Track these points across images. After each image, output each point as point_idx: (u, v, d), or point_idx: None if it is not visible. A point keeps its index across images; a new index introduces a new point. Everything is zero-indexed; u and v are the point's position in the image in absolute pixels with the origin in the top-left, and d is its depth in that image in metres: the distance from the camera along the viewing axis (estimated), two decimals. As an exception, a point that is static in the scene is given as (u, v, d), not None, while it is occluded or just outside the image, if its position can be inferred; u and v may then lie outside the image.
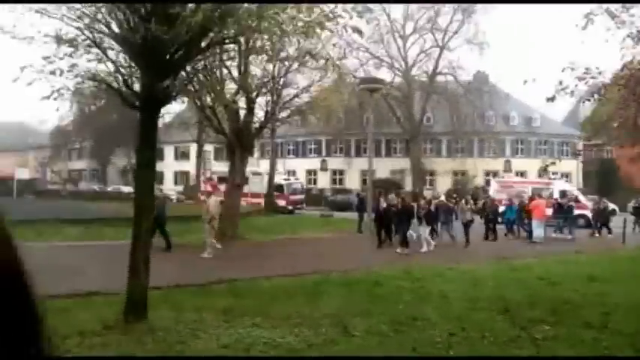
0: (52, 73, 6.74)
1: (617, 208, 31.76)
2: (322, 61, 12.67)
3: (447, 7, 38.75)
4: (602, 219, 21.14)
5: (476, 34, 38.48)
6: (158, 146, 7.70)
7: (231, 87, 16.41)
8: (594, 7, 8.43)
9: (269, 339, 5.60)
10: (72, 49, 6.77)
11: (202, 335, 5.70)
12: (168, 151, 52.12)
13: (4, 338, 0.58)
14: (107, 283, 8.03)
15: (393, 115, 41.06)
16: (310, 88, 18.83)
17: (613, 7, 8.51)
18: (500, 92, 41.71)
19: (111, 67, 6.90)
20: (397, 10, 39.61)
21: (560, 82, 7.18)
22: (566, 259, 13.40)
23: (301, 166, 46.65)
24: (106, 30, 6.53)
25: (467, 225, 16.61)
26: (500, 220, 19.81)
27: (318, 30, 10.00)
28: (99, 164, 56.07)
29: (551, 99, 7.35)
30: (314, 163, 48.65)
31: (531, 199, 20.59)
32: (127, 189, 38.47)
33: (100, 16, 6.46)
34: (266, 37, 9.26)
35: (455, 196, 23.01)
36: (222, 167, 35.82)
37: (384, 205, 16.09)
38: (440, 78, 41.43)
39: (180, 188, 47.02)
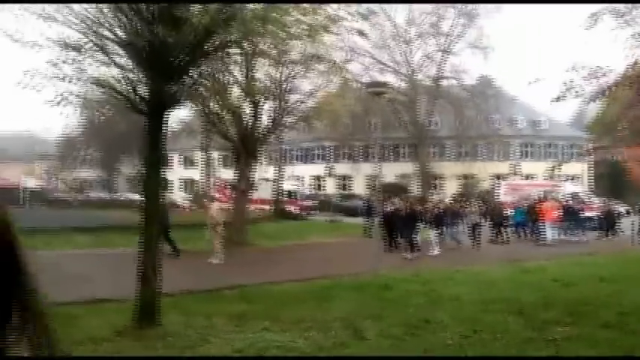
0: (58, 78, 6.76)
1: (629, 210, 31.49)
2: (327, 65, 12.71)
3: (450, 12, 38.79)
4: (610, 221, 20.95)
5: (479, 37, 38.42)
6: (164, 157, 7.69)
7: (236, 93, 16.47)
8: (600, 8, 8.37)
9: (280, 343, 5.55)
10: (77, 54, 6.79)
11: (213, 340, 5.65)
12: (175, 159, 52.33)
13: None
14: (117, 290, 8.00)
15: (398, 119, 40.99)
16: (316, 93, 18.84)
17: (618, 6, 8.44)
18: (506, 95, 41.60)
19: (116, 72, 6.92)
20: (400, 16, 39.68)
21: (567, 83, 7.10)
22: (579, 260, 13.24)
23: (308, 172, 46.69)
24: (111, 35, 6.54)
25: (474, 228, 16.50)
26: (508, 222, 19.70)
27: (322, 33, 10.01)
28: (106, 172, 56.33)
29: (558, 99, 7.26)
30: (320, 168, 48.63)
31: (540, 201, 20.48)
32: (136, 197, 38.61)
33: (104, 20, 6.48)
34: (271, 40, 9.30)
35: (462, 199, 22.91)
36: (229, 174, 35.96)
37: (391, 209, 16.03)
38: (444, 82, 41.39)
39: (187, 195, 47.14)
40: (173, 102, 6.70)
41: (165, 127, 6.89)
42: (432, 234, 14.98)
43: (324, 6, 8.08)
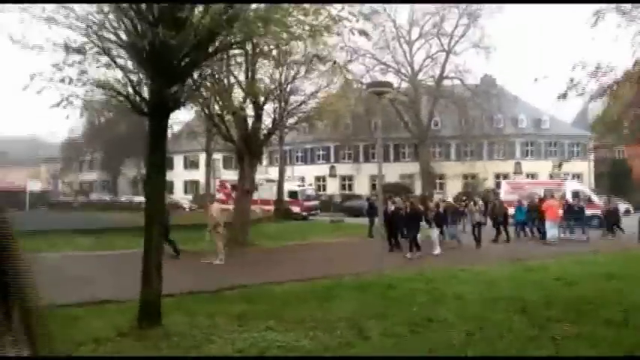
0: (62, 81, 6.78)
1: (631, 208, 31.43)
2: (329, 65, 12.68)
3: (453, 12, 38.77)
4: (612, 219, 20.89)
5: (482, 37, 38.38)
6: (167, 155, 7.71)
7: (238, 94, 16.50)
8: (603, 6, 8.34)
9: (284, 342, 5.55)
10: (80, 57, 6.82)
11: (217, 340, 5.65)
12: (178, 161, 52.43)
13: None
14: (120, 291, 8.05)
15: (400, 120, 41.00)
16: (317, 94, 18.84)
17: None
18: (508, 95, 41.56)
19: (119, 74, 6.94)
20: (402, 16, 39.73)
21: (572, 80, 7.10)
22: (582, 259, 13.19)
23: (310, 172, 46.71)
24: (113, 37, 6.56)
25: (476, 227, 16.46)
26: (510, 221, 19.67)
27: (325, 33, 10.00)
28: (109, 175, 56.52)
29: (563, 96, 7.25)
30: (323, 169, 48.66)
31: (541, 200, 20.44)
32: (139, 199, 38.70)
33: (107, 23, 6.50)
34: (273, 41, 9.31)
35: (464, 198, 22.86)
36: (231, 175, 35.98)
37: (391, 208, 16.03)
38: (447, 82, 41.37)
39: (190, 197, 47.23)
40: (175, 103, 6.71)
41: (168, 128, 6.91)
42: (433, 233, 14.97)
43: (326, 6, 8.09)
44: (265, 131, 18.25)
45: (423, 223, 15.19)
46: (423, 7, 38.69)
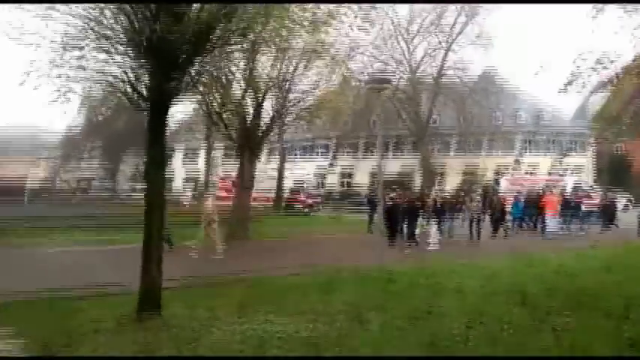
0: (59, 76, 6.75)
1: (629, 203, 31.46)
2: (329, 59, 12.66)
3: (451, 8, 38.62)
4: (609, 213, 20.94)
5: (480, 33, 38.31)
6: (166, 152, 7.67)
7: (238, 89, 16.46)
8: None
9: (283, 333, 5.54)
10: (78, 53, 6.78)
11: (217, 331, 5.65)
12: (177, 156, 52.40)
13: None
14: (120, 284, 8.06)
15: (399, 115, 40.96)
16: (316, 89, 18.78)
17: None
18: (508, 90, 41.52)
19: (117, 68, 6.91)
20: (401, 13, 39.54)
21: (573, 72, 7.07)
22: (581, 252, 13.22)
23: (309, 167, 46.71)
24: (111, 32, 6.53)
25: (474, 222, 16.44)
26: (507, 216, 19.74)
27: (323, 28, 9.96)
28: (108, 170, 56.49)
29: (565, 89, 7.23)
30: (322, 164, 48.67)
31: (540, 195, 20.49)
32: (139, 193, 38.66)
33: (105, 19, 6.46)
34: (273, 34, 9.27)
35: (462, 194, 22.89)
36: (230, 170, 35.96)
37: (389, 203, 16.03)
38: (446, 78, 41.27)
39: (189, 192, 47.20)
40: (174, 97, 6.69)
41: (167, 122, 6.89)
42: (431, 228, 14.97)
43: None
44: (264, 127, 18.21)
45: (421, 219, 15.19)
46: (421, 4, 38.63)
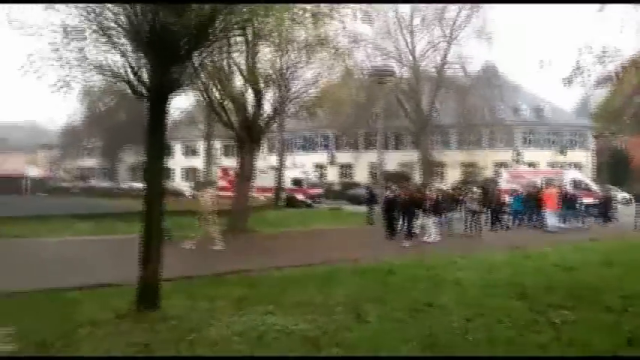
0: (60, 64, 6.71)
1: (627, 198, 31.44)
2: (331, 51, 12.59)
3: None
4: (607, 208, 20.96)
5: (484, 26, 38.14)
6: (167, 142, 7.61)
7: (239, 81, 16.40)
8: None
9: (282, 326, 5.54)
10: (79, 40, 6.74)
11: (215, 323, 5.64)
12: (177, 148, 52.37)
13: None
14: (119, 275, 8.04)
15: (401, 108, 40.84)
16: (318, 81, 18.69)
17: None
18: (510, 83, 41.37)
19: (119, 57, 6.86)
20: (404, 5, 39.32)
21: (577, 64, 7.01)
22: (581, 246, 13.23)
23: (310, 160, 46.67)
24: (113, 20, 6.48)
25: (471, 215, 16.39)
26: (506, 210, 19.76)
27: (326, 21, 9.90)
28: (109, 162, 56.52)
29: (569, 81, 7.17)
30: (322, 157, 48.63)
31: (540, 189, 20.48)
32: (139, 185, 38.69)
33: (107, 7, 6.41)
34: (275, 26, 9.22)
35: (462, 186, 22.88)
36: (230, 163, 35.90)
37: (388, 196, 16.00)
38: (448, 71, 41.11)
39: (189, 184, 47.24)
40: (175, 87, 6.64)
41: (168, 113, 6.85)
42: (430, 221, 14.95)
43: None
44: (266, 118, 18.16)
45: (420, 212, 15.13)
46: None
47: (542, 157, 41.14)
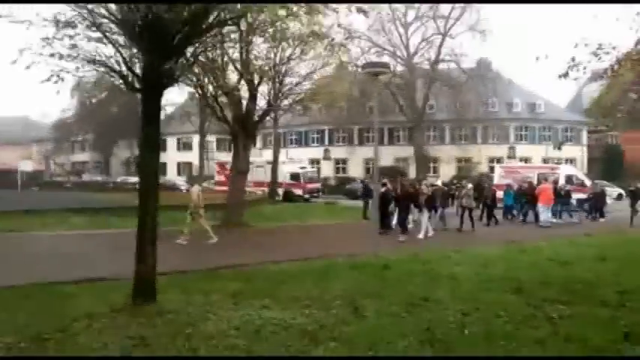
0: (52, 55, 6.62)
1: (623, 193, 31.65)
2: (326, 44, 12.52)
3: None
4: (599, 203, 21.10)
5: (478, 20, 38.20)
6: (160, 137, 7.55)
7: (233, 74, 16.29)
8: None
9: (279, 320, 5.51)
10: (71, 31, 6.65)
11: (212, 317, 5.61)
12: (171, 143, 52.10)
13: None
14: (114, 269, 8.01)
15: (395, 103, 40.83)
16: (313, 74, 18.62)
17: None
18: (504, 79, 41.46)
19: (111, 49, 6.77)
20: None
21: (573, 59, 7.00)
22: (575, 241, 13.30)
23: (304, 155, 46.57)
24: (105, 11, 6.39)
25: (464, 211, 16.38)
26: (499, 205, 19.84)
27: (320, 15, 9.80)
28: (102, 156, 56.20)
29: (564, 75, 7.16)
30: (317, 152, 48.57)
31: (533, 184, 20.56)
32: (133, 179, 38.47)
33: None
34: (269, 18, 9.14)
35: (455, 182, 22.93)
36: (225, 157, 35.78)
37: (382, 190, 15.99)
38: (442, 65, 41.16)
39: (183, 178, 47.12)
40: (169, 79, 6.57)
41: (161, 105, 6.78)
42: (422, 217, 14.96)
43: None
44: (260, 113, 18.08)
45: (413, 206, 15.12)
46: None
47: (535, 152, 41.28)
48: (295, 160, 36.76)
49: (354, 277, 8.21)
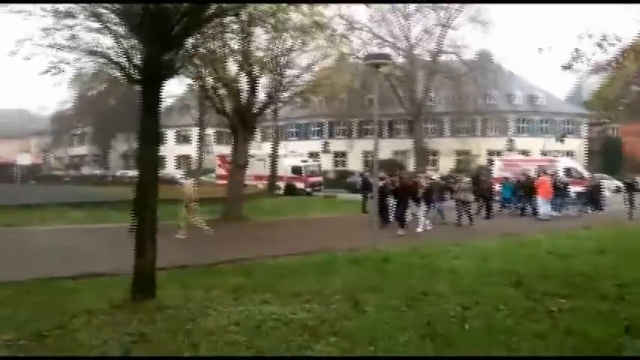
0: (51, 46, 6.57)
1: (621, 185, 31.61)
2: (327, 34, 12.42)
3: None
4: (595, 196, 21.09)
5: (479, 11, 37.95)
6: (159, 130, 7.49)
7: (233, 66, 16.19)
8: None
9: (280, 315, 5.49)
10: (71, 21, 6.58)
11: (212, 313, 5.59)
12: (170, 135, 51.94)
13: None
14: (113, 264, 7.98)
15: (395, 95, 40.66)
16: (313, 66, 18.50)
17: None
18: (504, 71, 41.30)
19: (111, 40, 6.71)
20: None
21: (577, 50, 6.95)
22: (574, 234, 13.29)
23: (304, 148, 46.53)
24: (105, 3, 6.32)
25: (462, 204, 16.33)
26: (497, 198, 19.82)
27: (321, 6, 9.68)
28: (100, 149, 56.06)
29: (568, 67, 7.11)
30: (316, 145, 48.48)
31: (532, 177, 20.53)
32: (133, 173, 38.36)
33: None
34: (270, 8, 9.06)
35: (454, 175, 22.88)
36: (224, 150, 35.69)
37: (380, 184, 15.92)
38: (443, 57, 40.93)
39: (182, 171, 47.05)
40: (169, 71, 6.51)
41: (161, 97, 6.72)
42: (420, 211, 14.93)
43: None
44: (259, 105, 17.98)
45: (411, 200, 15.08)
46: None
47: (535, 145, 41.22)
48: (297, 153, 36.55)
49: (354, 271, 8.20)
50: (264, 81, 17.77)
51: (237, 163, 17.48)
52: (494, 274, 7.86)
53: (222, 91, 16.71)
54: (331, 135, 48.67)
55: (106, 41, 6.79)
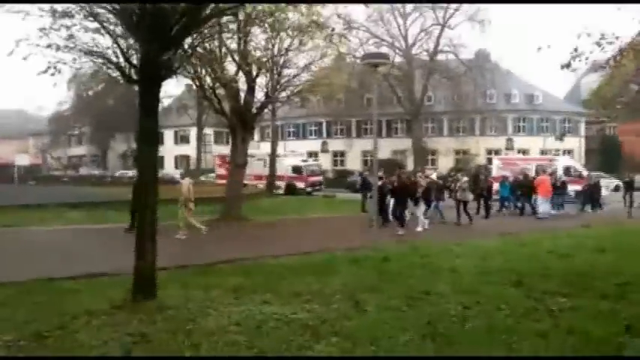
0: (49, 46, 6.54)
1: (620, 184, 31.67)
2: (325, 34, 12.42)
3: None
4: (595, 195, 21.12)
5: (477, 11, 38.00)
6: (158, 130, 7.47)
7: (231, 66, 16.18)
8: None
9: (280, 315, 5.48)
10: (68, 21, 6.56)
11: (212, 313, 5.58)
12: (169, 136, 51.93)
13: None
14: (113, 264, 7.96)
15: (393, 95, 40.70)
16: (311, 66, 18.48)
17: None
18: (502, 70, 41.36)
19: (109, 40, 6.70)
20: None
21: (576, 49, 6.94)
22: (574, 233, 13.32)
23: (302, 147, 46.55)
24: (103, 4, 6.30)
25: (464, 203, 16.32)
26: (495, 197, 19.83)
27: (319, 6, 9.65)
28: (99, 150, 56.00)
29: (567, 65, 7.11)
30: (315, 144, 48.49)
31: (527, 178, 20.56)
32: (131, 173, 38.33)
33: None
34: (268, 8, 9.04)
35: (453, 174, 22.89)
36: (223, 150, 35.67)
37: (378, 183, 15.91)
38: (441, 56, 40.98)
39: (181, 171, 47.03)
40: (167, 71, 6.49)
41: (159, 97, 6.71)
42: (419, 210, 14.93)
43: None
44: (258, 105, 17.98)
45: (410, 199, 15.07)
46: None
47: (534, 143, 41.28)
48: (297, 152, 36.52)
49: (354, 270, 8.19)
50: (262, 81, 17.77)
51: (237, 162, 17.47)
52: (494, 274, 7.86)
53: (221, 91, 16.70)
54: (329, 134, 48.68)
55: (104, 41, 6.80)
